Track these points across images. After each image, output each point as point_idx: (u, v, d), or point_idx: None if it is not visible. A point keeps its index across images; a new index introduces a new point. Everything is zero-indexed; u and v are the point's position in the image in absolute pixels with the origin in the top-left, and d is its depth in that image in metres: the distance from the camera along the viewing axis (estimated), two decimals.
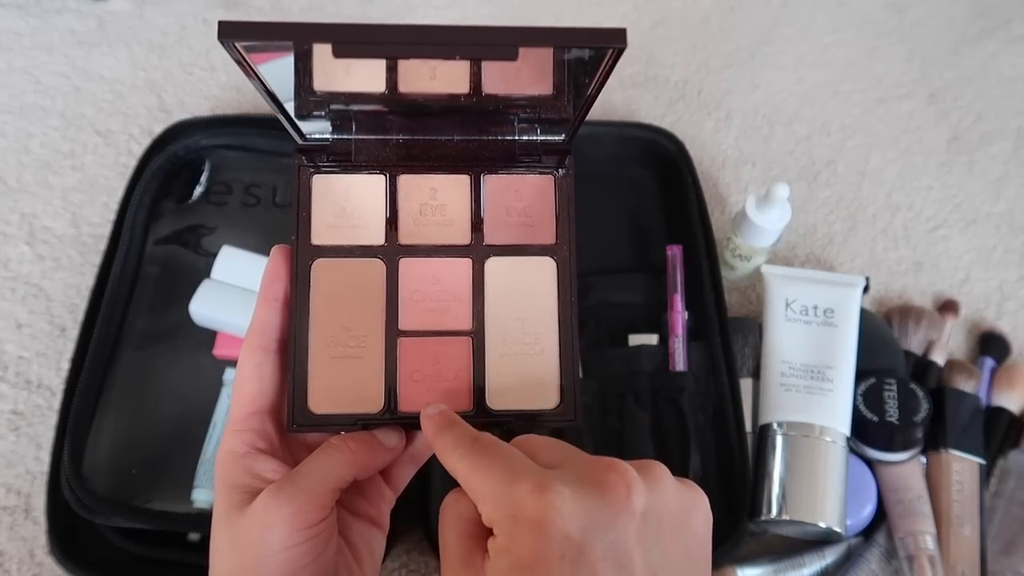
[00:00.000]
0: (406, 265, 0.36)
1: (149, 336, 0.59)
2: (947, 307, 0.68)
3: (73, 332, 0.61)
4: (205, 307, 0.58)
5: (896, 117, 0.81)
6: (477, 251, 0.37)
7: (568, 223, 0.37)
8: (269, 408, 0.34)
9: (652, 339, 0.60)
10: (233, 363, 0.59)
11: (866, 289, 0.64)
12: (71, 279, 0.65)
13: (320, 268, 0.36)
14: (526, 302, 0.36)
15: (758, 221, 0.62)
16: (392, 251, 0.36)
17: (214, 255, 0.60)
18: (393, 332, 0.35)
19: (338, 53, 0.31)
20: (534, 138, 0.37)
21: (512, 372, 0.36)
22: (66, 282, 0.65)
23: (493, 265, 0.37)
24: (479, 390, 0.35)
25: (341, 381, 0.35)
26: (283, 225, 0.64)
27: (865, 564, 0.55)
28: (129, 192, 0.63)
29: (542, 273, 0.37)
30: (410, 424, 0.35)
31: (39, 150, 0.71)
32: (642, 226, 0.68)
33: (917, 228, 0.74)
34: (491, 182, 0.38)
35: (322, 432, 0.35)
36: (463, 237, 0.37)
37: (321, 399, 0.35)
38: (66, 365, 0.58)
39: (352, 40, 0.29)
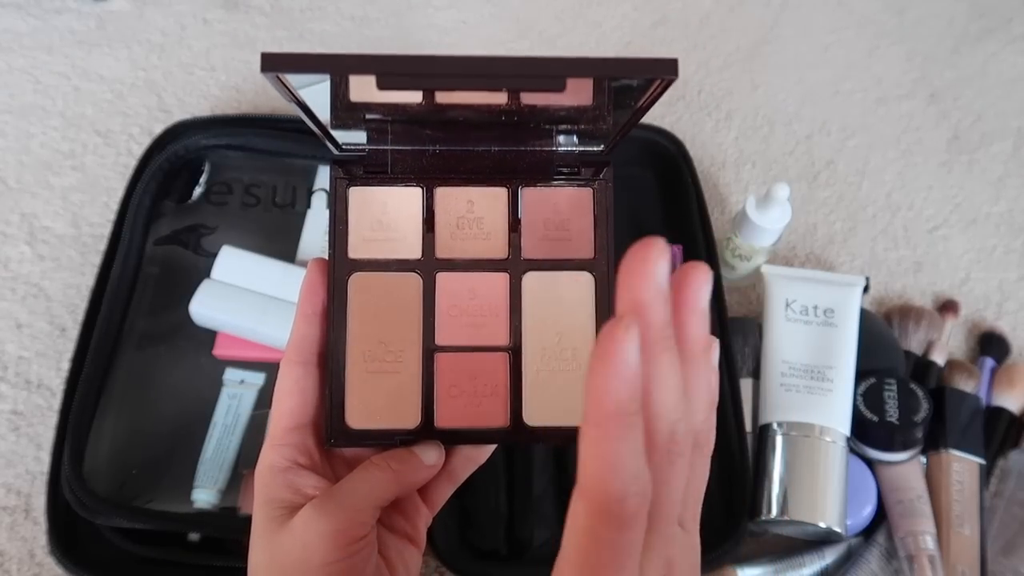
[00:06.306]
0: (443, 280, 0.36)
1: (149, 336, 0.59)
2: (947, 307, 0.68)
3: (73, 332, 0.61)
4: (205, 307, 0.58)
5: (896, 117, 0.81)
6: (514, 265, 0.36)
7: (607, 237, 0.36)
8: (310, 423, 0.34)
9: None
10: (233, 363, 0.59)
11: (866, 289, 0.64)
12: (71, 279, 0.65)
13: (357, 282, 0.35)
14: (564, 317, 0.36)
15: (758, 221, 0.62)
16: (429, 265, 0.36)
17: (214, 255, 0.60)
18: (430, 347, 0.35)
19: (382, 85, 0.30)
20: (572, 149, 0.36)
21: (549, 388, 0.35)
22: (66, 282, 0.65)
23: (530, 280, 0.36)
24: (516, 406, 0.35)
25: (378, 396, 0.34)
26: (283, 225, 0.64)
27: (865, 564, 0.55)
28: (129, 192, 0.63)
29: (580, 288, 0.36)
30: (447, 440, 0.35)
31: (39, 150, 0.71)
32: (642, 226, 0.68)
33: (917, 228, 0.74)
34: (528, 195, 0.37)
35: (360, 447, 0.35)
36: (500, 251, 0.36)
37: (359, 414, 0.34)
38: (66, 365, 0.58)
39: (395, 72, 0.28)
